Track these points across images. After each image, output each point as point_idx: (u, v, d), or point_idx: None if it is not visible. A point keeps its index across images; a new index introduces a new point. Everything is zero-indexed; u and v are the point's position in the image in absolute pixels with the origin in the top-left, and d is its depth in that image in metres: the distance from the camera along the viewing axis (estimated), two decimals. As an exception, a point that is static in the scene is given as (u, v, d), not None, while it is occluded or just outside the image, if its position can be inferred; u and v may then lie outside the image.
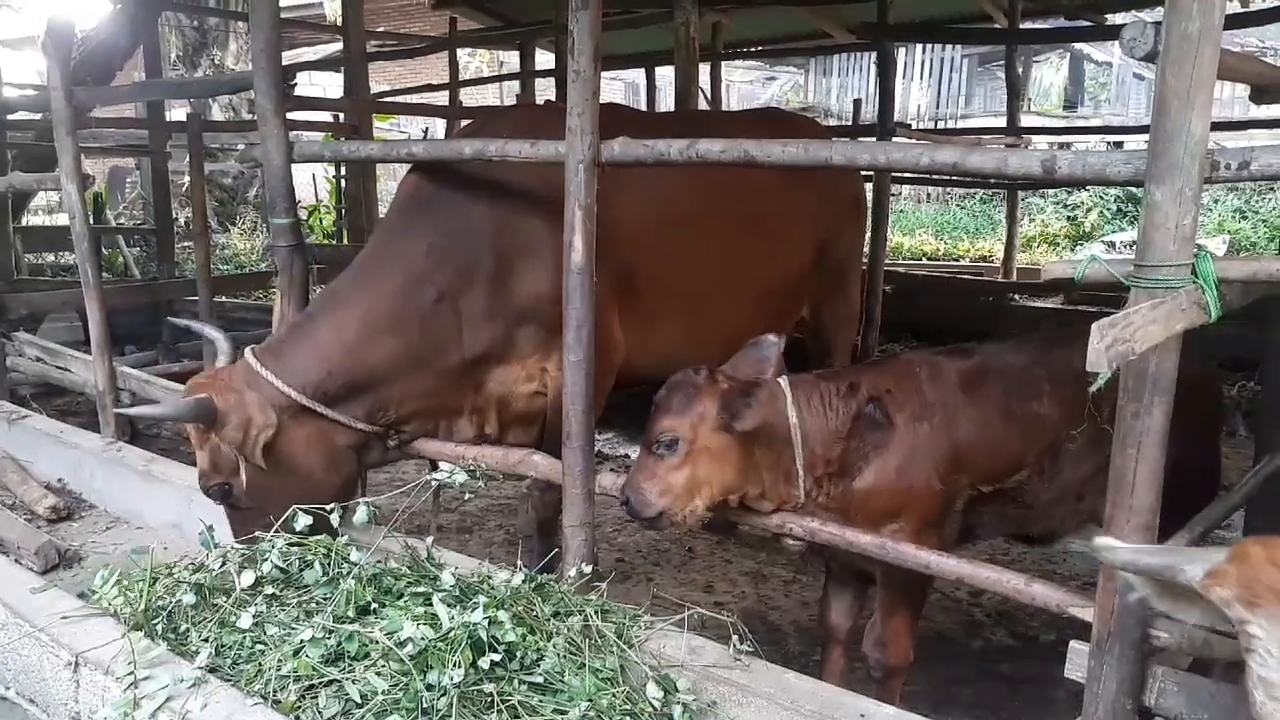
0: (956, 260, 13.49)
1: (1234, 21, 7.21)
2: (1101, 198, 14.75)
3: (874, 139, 7.02)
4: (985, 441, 2.77)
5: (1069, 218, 14.96)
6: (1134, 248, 2.06)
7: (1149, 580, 1.52)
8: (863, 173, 6.26)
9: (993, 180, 9.57)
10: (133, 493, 4.55)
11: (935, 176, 13.89)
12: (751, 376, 2.75)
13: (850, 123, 11.14)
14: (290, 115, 3.93)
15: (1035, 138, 10.03)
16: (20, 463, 5.03)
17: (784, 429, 2.71)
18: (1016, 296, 8.88)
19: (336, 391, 3.31)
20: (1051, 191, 14.45)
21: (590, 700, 2.38)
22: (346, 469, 3.44)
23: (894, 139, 6.88)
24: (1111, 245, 12.87)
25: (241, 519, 3.29)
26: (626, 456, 6.52)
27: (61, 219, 13.14)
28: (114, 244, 11.65)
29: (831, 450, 2.72)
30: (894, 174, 8.78)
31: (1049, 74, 20.72)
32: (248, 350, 3.36)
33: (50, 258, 11.84)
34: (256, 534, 2.97)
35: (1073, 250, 13.64)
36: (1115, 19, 8.91)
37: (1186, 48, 1.90)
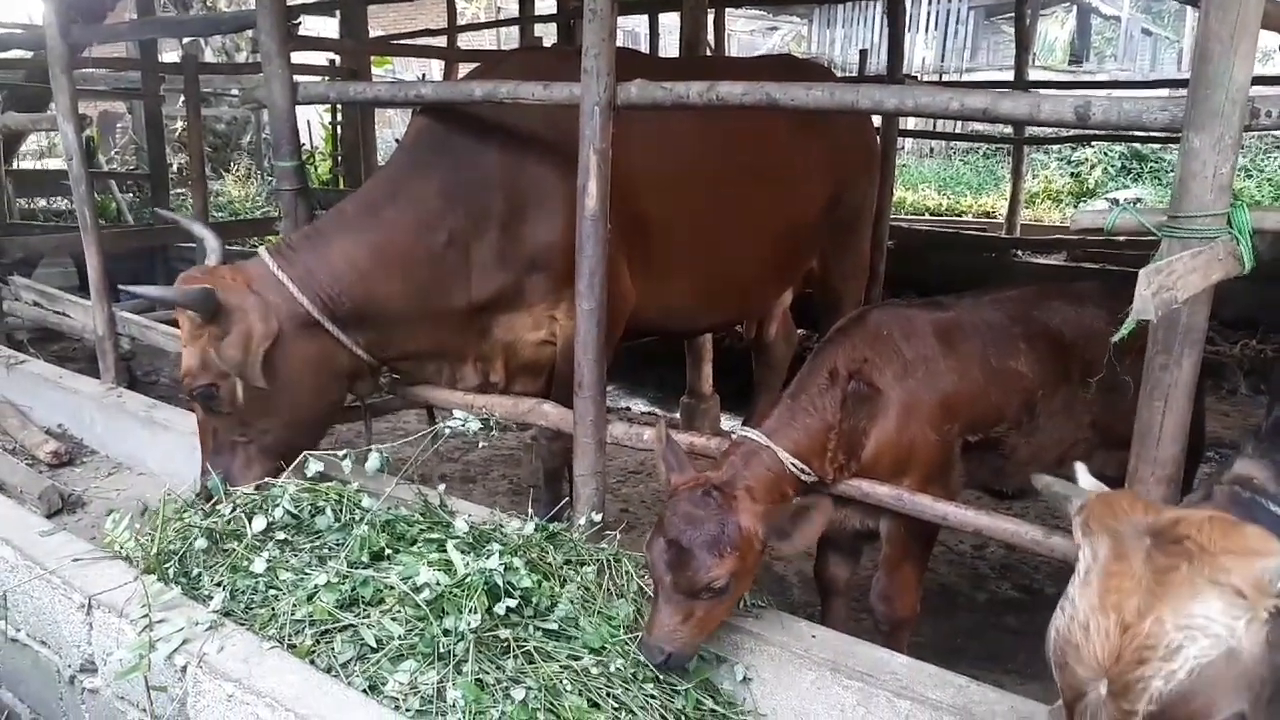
0: (959, 216, 13.39)
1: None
2: (1105, 154, 14.60)
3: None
4: (967, 390, 2.77)
5: (1073, 174, 14.82)
6: (1138, 204, 2.02)
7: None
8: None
9: (1017, 130, 9.28)
10: (134, 438, 4.52)
11: (944, 129, 13.76)
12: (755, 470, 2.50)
13: (856, 74, 11.00)
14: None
15: (1043, 92, 9.87)
16: (19, 408, 4.99)
17: (794, 481, 2.57)
18: (1020, 252, 8.84)
19: (343, 316, 3.23)
20: (1056, 147, 14.30)
21: (605, 646, 2.39)
22: (337, 393, 3.39)
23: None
24: (1115, 202, 12.78)
25: (218, 425, 3.19)
26: (627, 409, 6.51)
27: (52, 163, 12.93)
28: (106, 189, 11.50)
29: (832, 441, 2.65)
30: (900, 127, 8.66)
31: (1054, 28, 20.43)
32: (263, 250, 3.23)
33: (41, 202, 11.67)
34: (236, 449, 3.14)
35: (1075, 207, 13.53)
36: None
37: (1233, -10, 1.84)
